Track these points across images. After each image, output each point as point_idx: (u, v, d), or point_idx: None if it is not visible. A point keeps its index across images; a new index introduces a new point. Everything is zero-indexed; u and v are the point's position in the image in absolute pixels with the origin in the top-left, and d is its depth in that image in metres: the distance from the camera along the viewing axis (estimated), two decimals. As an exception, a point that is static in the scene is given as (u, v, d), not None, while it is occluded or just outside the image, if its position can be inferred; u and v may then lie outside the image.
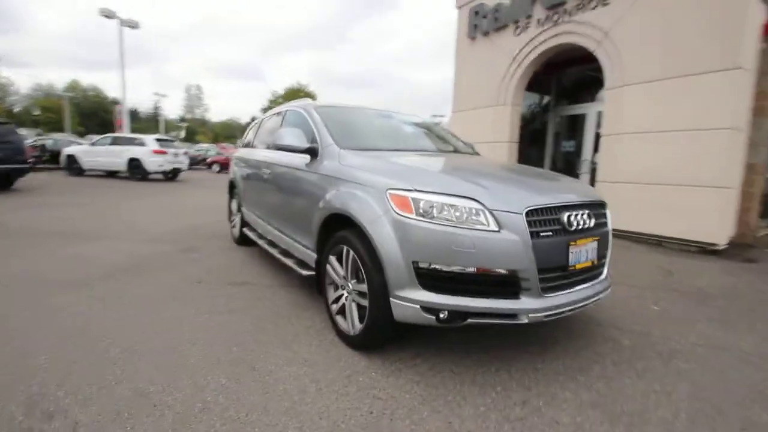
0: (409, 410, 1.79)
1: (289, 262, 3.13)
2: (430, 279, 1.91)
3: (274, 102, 27.07)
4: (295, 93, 26.19)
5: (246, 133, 5.12)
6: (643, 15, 5.21)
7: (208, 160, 22.41)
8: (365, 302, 2.16)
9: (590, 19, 5.88)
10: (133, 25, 17.59)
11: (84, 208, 7.24)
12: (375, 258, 2.05)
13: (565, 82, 8.00)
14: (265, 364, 2.14)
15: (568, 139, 7.96)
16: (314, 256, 2.72)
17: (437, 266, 1.89)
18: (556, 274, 2.00)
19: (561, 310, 1.98)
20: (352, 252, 2.23)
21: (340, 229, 2.41)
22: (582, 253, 2.08)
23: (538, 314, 1.92)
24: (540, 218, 1.96)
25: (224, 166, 21.62)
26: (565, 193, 2.20)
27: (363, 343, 2.26)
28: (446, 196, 1.95)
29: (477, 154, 3.67)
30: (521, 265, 1.87)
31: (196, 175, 18.44)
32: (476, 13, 7.76)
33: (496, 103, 7.49)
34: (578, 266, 2.07)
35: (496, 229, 1.87)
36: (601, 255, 2.27)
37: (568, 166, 7.77)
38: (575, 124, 7.79)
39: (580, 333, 2.62)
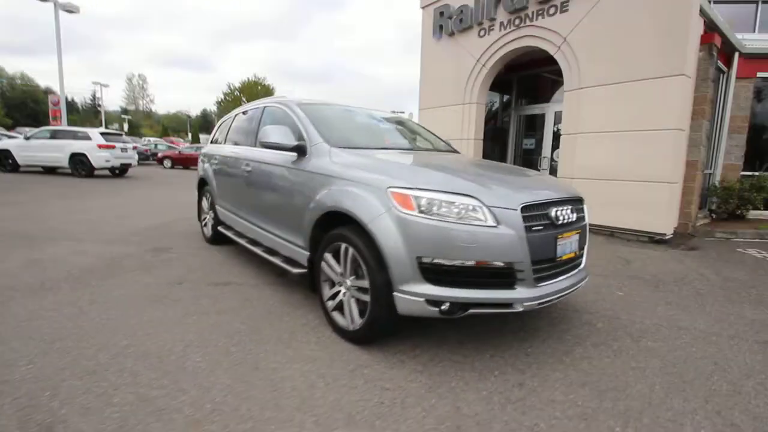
0: (417, 398, 1.87)
1: (276, 260, 3.10)
2: (433, 273, 2.00)
3: (230, 94, 26.03)
4: (252, 86, 25.29)
5: (216, 129, 4.94)
6: (599, 23, 5.61)
7: (160, 155, 21.19)
8: (366, 297, 2.21)
9: (550, 24, 6.23)
10: (72, 9, 16.16)
11: (28, 208, 6.65)
12: (377, 254, 2.11)
13: (524, 83, 8.40)
14: (267, 362, 2.13)
15: (528, 137, 8.38)
16: (306, 254, 2.73)
17: (440, 261, 1.99)
18: (546, 265, 2.16)
19: (550, 298, 2.15)
20: (351, 249, 2.26)
21: (334, 227, 2.45)
22: (567, 245, 2.26)
23: (533, 302, 2.07)
24: (532, 213, 2.10)
25: (177, 161, 20.60)
26: (551, 190, 2.37)
27: (363, 338, 2.31)
28: (446, 193, 2.04)
29: (456, 151, 3.81)
30: (517, 258, 2.01)
31: (146, 170, 17.39)
32: (441, 13, 7.94)
33: (462, 101, 7.73)
34: (564, 257, 2.25)
35: (494, 224, 1.99)
36: (581, 246, 2.47)
37: (529, 162, 8.19)
38: (534, 123, 8.22)
39: (560, 319, 2.83)
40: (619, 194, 5.64)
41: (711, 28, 5.69)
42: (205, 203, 4.76)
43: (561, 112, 7.30)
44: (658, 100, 5.06)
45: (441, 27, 7.96)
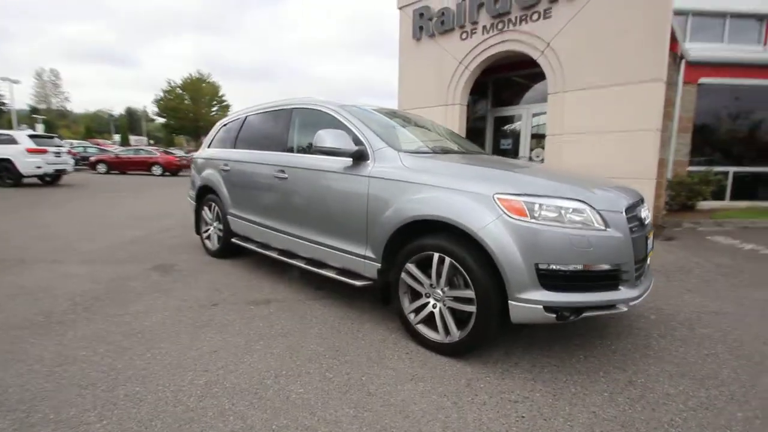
0: (551, 408, 1.85)
1: (328, 272, 2.90)
2: (549, 279, 1.98)
3: (171, 92, 23.99)
4: (196, 83, 23.53)
5: (215, 132, 4.53)
6: (582, 30, 5.97)
7: (92, 159, 19.04)
8: (468, 308, 2.14)
9: (534, 29, 6.52)
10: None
11: (-38, 225, 5.63)
12: (485, 263, 2.05)
13: (501, 85, 8.72)
14: (376, 386, 1.98)
15: (505, 137, 8.72)
16: (376, 265, 2.58)
17: (556, 266, 1.97)
18: (639, 264, 2.24)
19: (645, 296, 2.23)
20: (448, 259, 2.18)
21: (416, 237, 2.35)
22: (650, 243, 2.37)
23: (635, 301, 2.13)
24: (630, 215, 2.17)
25: (113, 166, 18.70)
26: (633, 193, 2.47)
27: (461, 350, 2.24)
28: (558, 199, 2.03)
29: (484, 152, 3.84)
30: (624, 259, 2.06)
31: (78, 177, 15.54)
32: (421, 15, 7.99)
33: (445, 102, 7.85)
34: (649, 255, 2.36)
35: (604, 228, 2.02)
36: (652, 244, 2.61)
37: (506, 162, 8.53)
38: (512, 124, 8.57)
39: (616, 315, 2.96)
40: (603, 190, 6.05)
41: (673, 38, 6.31)
42: (207, 214, 4.34)
43: (539, 113, 7.71)
44: (641, 103, 5.51)
45: (421, 28, 8.00)
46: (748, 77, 8.48)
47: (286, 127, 3.43)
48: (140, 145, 33.35)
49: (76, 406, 1.78)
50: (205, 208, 4.36)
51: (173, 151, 22.37)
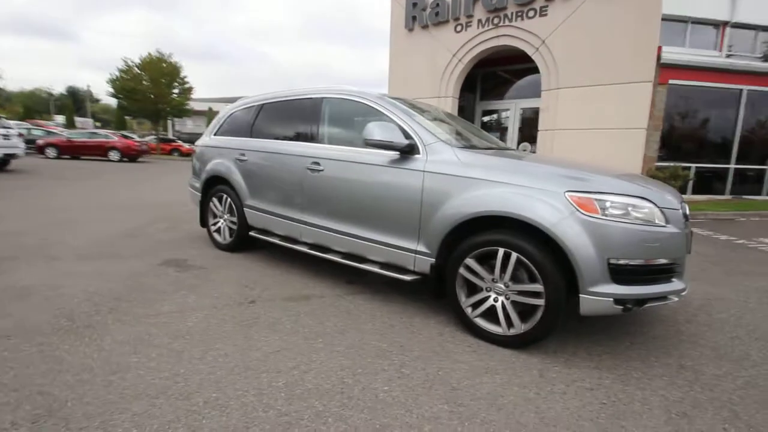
0: (625, 394, 1.95)
1: (370, 267, 2.88)
2: (619, 273, 2.08)
3: (127, 71, 22.21)
4: (156, 63, 21.85)
5: (223, 119, 4.28)
6: (577, 29, 6.19)
7: (40, 142, 17.37)
8: (534, 301, 2.20)
9: (529, 26, 6.68)
10: None
11: None
12: (555, 258, 2.12)
13: (489, 78, 8.87)
14: (455, 381, 2.00)
15: (492, 131, 8.91)
16: (430, 260, 2.59)
17: (626, 261, 2.08)
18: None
19: (688, 287, 2.40)
20: (514, 254, 2.23)
21: (475, 232, 2.38)
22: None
23: (683, 293, 2.29)
24: (682, 212, 2.31)
25: (64, 150, 17.22)
26: (675, 191, 2.62)
27: (523, 342, 2.31)
28: (624, 196, 2.13)
29: (510, 148, 3.92)
30: (680, 253, 2.21)
31: (26, 162, 14.16)
32: (414, 4, 7.93)
33: (438, 94, 7.88)
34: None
35: (665, 224, 2.15)
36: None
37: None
38: (499, 117, 8.77)
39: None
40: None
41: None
42: (217, 206, 4.12)
43: (527, 108, 7.94)
44: (632, 102, 5.83)
45: (414, 18, 7.94)
46: (710, 81, 9.19)
47: (315, 117, 3.32)
48: (89, 128, 30.91)
49: (156, 417, 1.66)
50: (214, 200, 4.14)
51: (131, 136, 20.88)
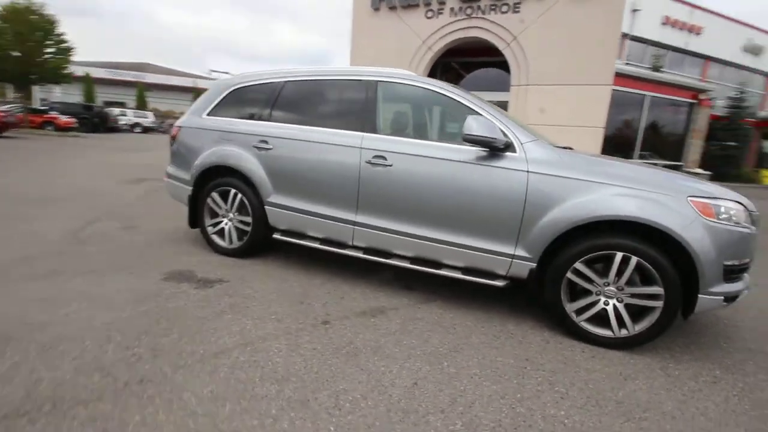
0: (746, 384, 2.12)
1: (452, 273, 2.68)
2: (728, 273, 2.24)
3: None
4: (23, 13, 16.89)
5: (218, 95, 3.53)
6: (548, 29, 6.53)
7: None
8: (652, 303, 2.25)
9: (502, 21, 6.84)
10: None
11: None
12: (676, 261, 2.19)
13: (450, 69, 8.93)
14: (610, 392, 1.95)
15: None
16: (530, 264, 2.48)
17: (734, 262, 2.24)
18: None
19: (748, 285, 2.69)
20: (634, 258, 2.24)
21: (586, 236, 2.35)
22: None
23: (747, 288, 2.55)
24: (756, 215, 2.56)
25: None
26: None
27: (632, 344, 2.36)
28: (730, 201, 2.27)
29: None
30: (754, 253, 2.45)
31: None
32: (381, -17, 7.54)
33: (405, 82, 7.67)
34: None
35: (752, 226, 2.36)
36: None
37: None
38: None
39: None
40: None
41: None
42: (219, 203, 3.41)
43: (494, 101, 8.20)
44: (593, 103, 6.39)
45: (381, -2, 7.56)
46: (640, 89, 10.64)
47: (370, 103, 2.91)
48: None
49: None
50: (215, 195, 3.42)
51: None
